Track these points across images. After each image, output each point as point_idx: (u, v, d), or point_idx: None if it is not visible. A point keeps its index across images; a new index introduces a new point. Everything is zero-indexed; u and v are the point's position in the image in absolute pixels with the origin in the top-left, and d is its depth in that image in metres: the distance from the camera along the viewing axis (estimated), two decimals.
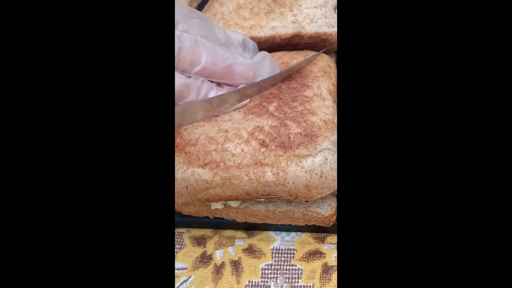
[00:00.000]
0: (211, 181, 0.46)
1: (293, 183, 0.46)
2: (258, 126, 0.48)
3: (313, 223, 0.51)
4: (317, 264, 0.52)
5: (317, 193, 0.46)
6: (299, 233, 0.54)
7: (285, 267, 0.51)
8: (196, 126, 0.50)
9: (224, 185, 0.46)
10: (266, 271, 0.51)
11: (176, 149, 0.50)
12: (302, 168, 0.45)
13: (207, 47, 0.48)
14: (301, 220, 0.50)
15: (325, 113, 0.49)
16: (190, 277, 0.52)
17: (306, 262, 0.52)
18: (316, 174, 0.46)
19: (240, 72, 0.50)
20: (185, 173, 0.47)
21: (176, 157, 0.49)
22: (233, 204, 0.51)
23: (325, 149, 0.46)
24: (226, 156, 0.47)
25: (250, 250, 0.53)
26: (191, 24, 0.50)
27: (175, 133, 0.51)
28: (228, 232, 0.55)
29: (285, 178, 0.45)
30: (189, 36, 0.47)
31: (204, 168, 0.47)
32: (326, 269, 0.51)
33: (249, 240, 0.54)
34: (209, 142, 0.48)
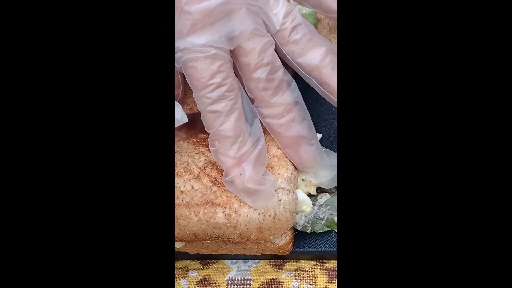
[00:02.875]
0: None
1: (245, 225, 0.42)
2: (210, 161, 0.45)
3: (268, 252, 0.48)
4: None
5: (269, 235, 0.43)
6: (257, 261, 0.51)
7: None
8: None
9: None
10: None
11: None
12: (255, 210, 0.42)
13: None
14: (255, 250, 0.48)
15: (277, 148, 0.45)
16: None
17: None
18: (270, 216, 0.43)
19: None
20: None
21: None
22: (177, 245, 0.48)
23: (279, 188, 0.43)
24: (174, 194, 0.43)
25: (204, 283, 0.51)
26: None
27: None
28: (182, 263, 0.52)
29: (237, 220, 0.42)
30: None
31: None
32: None
33: (204, 271, 0.51)
34: None
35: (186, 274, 0.51)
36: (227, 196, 0.43)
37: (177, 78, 0.50)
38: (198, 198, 0.43)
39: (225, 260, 0.51)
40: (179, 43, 0.42)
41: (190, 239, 0.44)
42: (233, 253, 0.49)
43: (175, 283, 0.51)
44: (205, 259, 0.52)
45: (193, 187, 0.43)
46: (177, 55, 0.42)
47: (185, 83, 0.52)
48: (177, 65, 0.43)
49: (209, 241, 0.46)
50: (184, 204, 0.43)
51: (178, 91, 0.51)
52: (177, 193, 0.43)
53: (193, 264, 0.52)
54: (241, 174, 0.42)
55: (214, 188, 0.43)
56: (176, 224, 0.43)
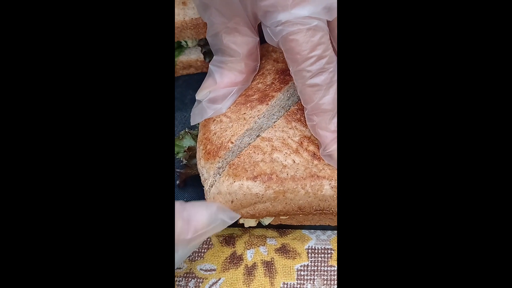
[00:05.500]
0: (262, 195, 0.43)
1: None
2: (305, 136, 0.45)
3: None
4: None
5: None
6: (336, 231, 0.52)
7: (322, 268, 0.50)
8: (225, 129, 0.46)
9: (277, 199, 0.43)
10: (302, 273, 0.50)
11: (208, 156, 0.45)
12: None
13: None
14: None
15: None
16: (219, 279, 0.50)
17: None
18: None
19: None
20: (232, 186, 0.44)
21: (210, 164, 0.45)
22: (266, 221, 0.48)
23: None
24: (277, 168, 0.43)
25: (284, 250, 0.51)
26: None
27: (205, 140, 0.47)
28: (259, 231, 0.53)
29: None
30: None
31: (255, 181, 0.43)
32: None
33: (282, 239, 0.52)
34: (254, 152, 0.44)
35: (265, 241, 0.52)
36: (329, 168, 0.43)
37: (256, 52, 0.49)
38: (302, 172, 0.43)
39: (303, 230, 0.52)
40: (281, 16, 0.41)
41: (295, 213, 0.45)
42: (319, 223, 0.50)
43: (254, 249, 0.51)
44: (281, 227, 0.52)
45: (294, 161, 0.44)
46: (277, 28, 0.42)
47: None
48: (275, 39, 0.42)
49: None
50: (290, 178, 0.43)
51: (257, 64, 0.50)
52: (279, 167, 0.43)
53: (270, 232, 0.53)
54: None
55: (315, 162, 0.44)
56: (282, 198, 0.43)
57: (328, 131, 0.43)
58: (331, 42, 0.44)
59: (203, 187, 0.47)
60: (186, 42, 0.61)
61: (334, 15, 0.42)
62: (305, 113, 0.44)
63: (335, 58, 0.43)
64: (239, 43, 0.47)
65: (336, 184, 0.43)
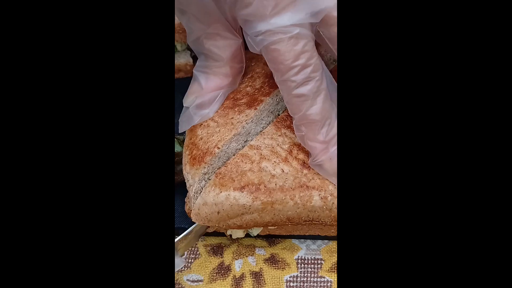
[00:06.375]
0: (249, 206, 0.42)
1: None
2: (295, 144, 0.43)
3: None
4: None
5: None
6: (326, 241, 0.51)
7: (312, 279, 0.49)
8: (211, 134, 0.45)
9: (264, 211, 0.42)
10: (292, 284, 0.49)
11: (194, 161, 0.44)
12: None
13: None
14: (332, 230, 0.47)
15: None
16: None
17: (336, 274, 0.49)
18: None
19: None
20: (218, 196, 0.42)
21: (195, 170, 0.44)
22: (254, 231, 0.47)
23: None
24: (265, 178, 0.42)
25: (273, 260, 0.50)
26: None
27: (191, 146, 0.45)
28: (247, 240, 0.51)
29: (333, 203, 0.42)
30: None
31: (242, 191, 0.42)
32: None
33: (271, 249, 0.51)
34: (241, 161, 0.43)
35: (253, 251, 0.51)
36: (319, 178, 0.42)
37: (241, 54, 0.48)
38: (290, 182, 0.42)
39: (293, 239, 0.51)
40: (260, 26, 0.39)
41: (283, 223, 0.43)
42: (308, 233, 0.48)
43: (242, 260, 0.50)
44: (270, 237, 0.51)
45: (283, 171, 0.42)
46: (257, 38, 0.40)
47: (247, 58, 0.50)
48: (256, 48, 0.41)
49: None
50: (278, 188, 0.42)
51: (242, 66, 0.49)
52: (268, 177, 0.42)
53: (259, 242, 0.51)
54: (331, 159, 0.42)
55: (305, 171, 0.42)
56: (270, 209, 0.42)
57: (317, 142, 0.42)
58: (325, 40, 0.42)
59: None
60: (175, 46, 0.59)
61: (320, 16, 0.40)
62: (293, 123, 0.42)
63: (320, 66, 0.41)
64: (221, 46, 0.46)
65: (325, 195, 0.42)
